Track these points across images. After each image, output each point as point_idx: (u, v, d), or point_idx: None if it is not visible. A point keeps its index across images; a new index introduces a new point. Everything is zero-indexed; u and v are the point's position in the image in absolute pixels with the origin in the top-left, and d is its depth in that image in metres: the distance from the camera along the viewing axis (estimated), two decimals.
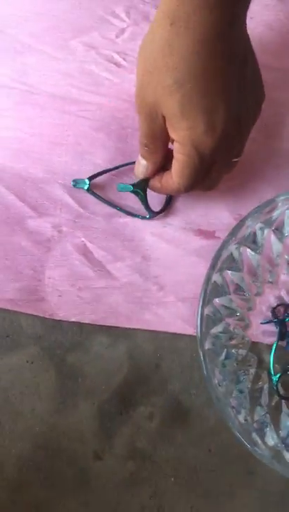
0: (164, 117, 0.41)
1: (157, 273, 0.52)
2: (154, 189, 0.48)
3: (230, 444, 0.50)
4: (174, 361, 0.51)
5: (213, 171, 0.44)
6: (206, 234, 0.52)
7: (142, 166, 0.46)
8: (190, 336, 0.51)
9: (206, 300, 0.43)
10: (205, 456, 0.50)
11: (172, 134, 0.41)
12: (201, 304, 0.43)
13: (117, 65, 0.52)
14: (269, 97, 0.52)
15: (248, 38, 0.40)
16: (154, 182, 0.47)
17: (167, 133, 0.42)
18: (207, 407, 0.51)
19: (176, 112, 0.39)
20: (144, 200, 0.50)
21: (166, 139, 0.43)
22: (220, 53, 0.37)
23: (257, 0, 0.52)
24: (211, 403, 0.51)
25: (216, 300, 0.46)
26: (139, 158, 0.46)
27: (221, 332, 0.47)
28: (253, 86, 0.42)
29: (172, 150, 0.43)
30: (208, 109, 0.39)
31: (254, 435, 0.44)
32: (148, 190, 0.50)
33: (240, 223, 0.44)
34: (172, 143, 0.43)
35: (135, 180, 0.49)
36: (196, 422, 0.51)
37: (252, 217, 0.43)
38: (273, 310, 0.50)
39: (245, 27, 0.39)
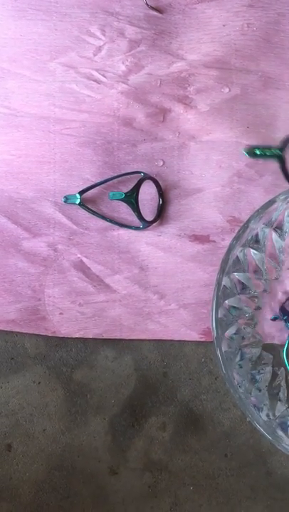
0: None
1: (156, 282, 0.53)
2: None
3: (247, 447, 0.51)
4: (181, 368, 0.52)
5: None
6: (201, 239, 0.54)
7: None
8: (195, 341, 0.52)
9: (219, 304, 0.45)
10: (222, 461, 0.51)
11: None
12: (214, 308, 0.45)
13: (97, 81, 0.55)
14: (250, 99, 0.54)
15: None
16: None
17: None
18: (219, 411, 0.52)
19: None
20: (137, 210, 0.52)
21: None
22: None
23: (227, 7, 0.55)
24: (222, 407, 0.52)
25: (226, 302, 0.48)
26: None
27: (234, 333, 0.48)
28: None
29: None
30: None
31: (278, 431, 0.45)
32: (140, 201, 0.51)
33: (244, 226, 0.46)
34: None
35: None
36: (210, 428, 0.52)
37: (254, 220, 0.45)
38: (282, 306, 0.52)
39: None
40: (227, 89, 0.55)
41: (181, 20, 0.56)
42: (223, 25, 0.56)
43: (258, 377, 0.50)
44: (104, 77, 0.55)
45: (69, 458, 0.51)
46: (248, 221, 0.46)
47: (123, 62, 0.55)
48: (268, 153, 0.45)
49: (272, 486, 0.51)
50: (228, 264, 0.47)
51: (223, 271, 0.46)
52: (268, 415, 0.48)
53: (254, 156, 0.45)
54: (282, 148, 0.45)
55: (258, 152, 0.45)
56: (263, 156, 0.45)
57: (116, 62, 0.55)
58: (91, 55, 0.55)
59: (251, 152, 0.45)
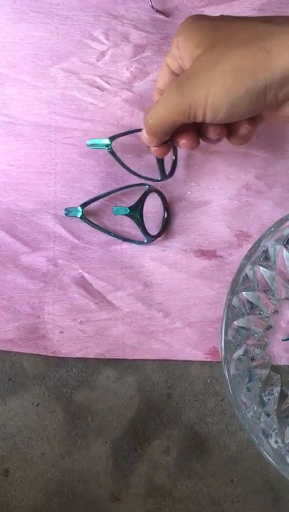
0: None
1: (161, 299, 0.51)
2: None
3: (253, 472, 0.50)
4: (186, 389, 0.50)
5: None
6: (208, 254, 0.52)
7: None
8: (200, 361, 0.50)
9: (228, 325, 0.43)
10: (228, 486, 0.49)
11: None
12: (224, 329, 0.43)
13: (100, 88, 0.53)
14: None
15: None
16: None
17: None
18: (225, 434, 0.50)
19: None
20: (141, 224, 0.49)
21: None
22: None
23: (236, 11, 0.53)
24: (229, 430, 0.50)
25: (234, 323, 0.46)
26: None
27: (242, 355, 0.46)
28: None
29: None
30: None
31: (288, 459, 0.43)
32: (144, 213, 0.49)
33: (255, 246, 0.44)
34: None
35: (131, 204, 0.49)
36: (215, 452, 0.50)
37: (266, 238, 0.43)
38: None
39: None
40: None
41: None
42: None
43: (266, 399, 0.48)
44: (108, 83, 0.53)
45: (69, 483, 0.49)
46: (260, 240, 0.44)
47: (127, 68, 0.53)
48: (98, 143, 0.50)
49: None
50: (238, 285, 0.45)
51: (233, 292, 0.44)
52: (276, 442, 0.46)
53: (91, 146, 0.51)
54: (111, 138, 0.50)
55: (90, 143, 0.50)
56: (96, 145, 0.50)
57: (120, 68, 0.53)
58: (94, 61, 0.53)
59: (90, 144, 0.50)
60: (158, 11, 0.53)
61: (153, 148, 0.46)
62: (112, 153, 0.50)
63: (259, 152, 0.53)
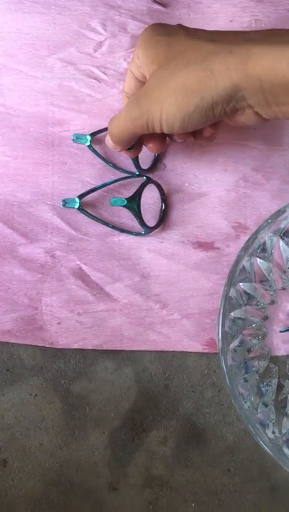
0: None
1: (158, 291, 0.51)
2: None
3: (250, 462, 0.50)
4: (183, 380, 0.51)
5: None
6: (205, 246, 0.52)
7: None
8: (198, 353, 0.51)
9: (225, 317, 0.43)
10: (225, 476, 0.50)
11: None
12: (221, 321, 0.44)
13: (98, 79, 0.53)
14: None
15: None
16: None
17: None
18: (222, 425, 0.51)
19: None
20: (138, 216, 0.50)
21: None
22: None
23: (234, 2, 0.53)
24: (226, 421, 0.50)
25: (231, 314, 0.46)
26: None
27: (238, 346, 0.47)
28: None
29: None
30: None
31: (285, 449, 0.44)
32: (142, 205, 0.49)
33: (253, 237, 0.44)
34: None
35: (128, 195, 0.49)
36: (212, 442, 0.50)
37: (263, 230, 0.44)
38: None
39: None
40: None
41: (186, 15, 0.53)
42: (230, 21, 0.53)
43: (264, 389, 0.48)
44: (105, 74, 0.53)
45: (67, 473, 0.50)
46: (257, 231, 0.45)
47: (125, 59, 0.53)
48: (81, 138, 0.52)
49: (277, 502, 0.50)
50: (235, 276, 0.45)
51: (230, 283, 0.45)
52: (273, 432, 0.46)
53: (75, 141, 0.52)
54: (92, 134, 0.52)
55: (73, 138, 0.52)
56: (78, 139, 0.52)
57: (117, 58, 0.53)
58: (91, 51, 0.53)
59: (74, 139, 0.52)
60: (156, 2, 0.53)
61: (122, 152, 0.48)
62: (92, 148, 0.52)
63: (257, 144, 0.53)
